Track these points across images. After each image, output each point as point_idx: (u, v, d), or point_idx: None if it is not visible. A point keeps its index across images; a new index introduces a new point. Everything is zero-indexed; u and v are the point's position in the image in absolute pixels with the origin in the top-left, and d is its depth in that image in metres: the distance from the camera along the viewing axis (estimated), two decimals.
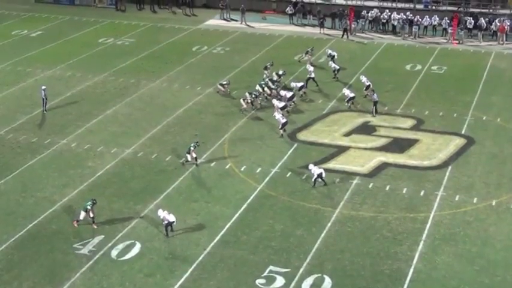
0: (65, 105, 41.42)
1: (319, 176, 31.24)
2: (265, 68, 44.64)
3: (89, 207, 28.17)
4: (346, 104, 40.52)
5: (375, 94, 39.89)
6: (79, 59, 50.91)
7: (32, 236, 28.02)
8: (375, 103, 39.74)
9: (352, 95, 40.56)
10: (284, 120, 36.79)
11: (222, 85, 42.75)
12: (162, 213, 27.68)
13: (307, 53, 48.23)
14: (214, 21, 61.96)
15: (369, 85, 41.37)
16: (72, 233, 28.06)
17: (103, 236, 27.81)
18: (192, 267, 25.96)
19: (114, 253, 26.82)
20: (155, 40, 55.85)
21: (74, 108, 41.05)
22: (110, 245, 27.31)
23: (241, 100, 39.82)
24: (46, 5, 68.43)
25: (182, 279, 25.29)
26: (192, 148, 33.15)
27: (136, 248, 27.12)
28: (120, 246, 27.27)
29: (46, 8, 67.46)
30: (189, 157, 33.23)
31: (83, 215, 28.22)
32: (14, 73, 47.70)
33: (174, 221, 27.73)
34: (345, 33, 56.40)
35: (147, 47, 53.88)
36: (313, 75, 43.46)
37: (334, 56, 47.38)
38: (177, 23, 61.55)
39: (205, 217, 29.36)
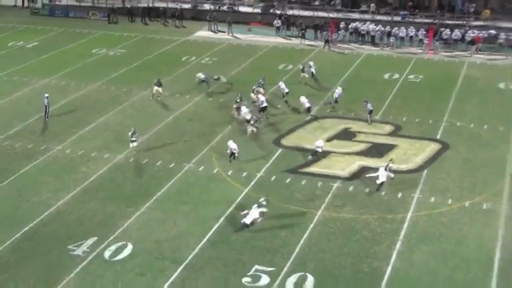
0: (60, 113, 41.31)
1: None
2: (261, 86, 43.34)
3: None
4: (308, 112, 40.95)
5: (369, 104, 39.90)
6: (73, 69, 50.84)
7: (27, 238, 27.92)
8: (370, 112, 39.81)
9: (308, 105, 40.71)
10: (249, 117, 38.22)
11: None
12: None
13: (303, 70, 47.36)
14: (203, 33, 62.06)
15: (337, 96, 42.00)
16: (66, 235, 27.97)
17: (96, 238, 27.76)
18: (181, 267, 25.95)
19: (106, 254, 26.77)
20: (146, 51, 55.87)
21: (68, 116, 40.98)
22: (102, 246, 27.25)
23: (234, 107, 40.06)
24: (41, 18, 68.53)
25: (172, 279, 25.27)
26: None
27: (128, 249, 27.08)
28: (113, 247, 27.22)
29: (41, 20, 67.48)
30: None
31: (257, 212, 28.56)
32: (11, 83, 47.58)
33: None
34: (327, 44, 56.61)
35: (139, 57, 53.89)
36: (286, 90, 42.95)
37: (313, 73, 47.21)
38: (167, 34, 61.61)
39: (194, 219, 29.37)
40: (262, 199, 29.81)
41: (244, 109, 38.97)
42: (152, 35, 61.21)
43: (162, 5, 67.80)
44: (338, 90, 42.23)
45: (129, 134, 35.09)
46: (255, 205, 28.72)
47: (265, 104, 40.24)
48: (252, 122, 37.79)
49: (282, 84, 42.93)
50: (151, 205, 30.56)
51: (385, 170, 31.80)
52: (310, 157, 34.40)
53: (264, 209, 28.87)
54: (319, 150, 34.57)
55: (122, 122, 40.31)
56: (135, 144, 35.21)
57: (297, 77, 47.26)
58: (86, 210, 30.09)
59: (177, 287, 24.86)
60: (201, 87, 45.53)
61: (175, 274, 25.52)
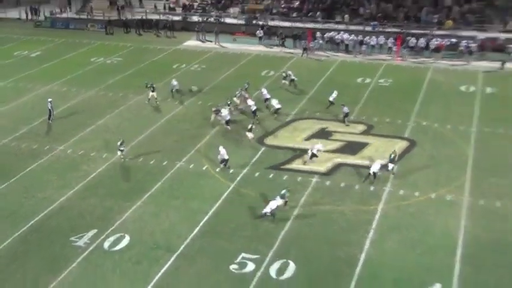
0: (62, 116, 41.12)
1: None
2: (245, 90, 43.37)
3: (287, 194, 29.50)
4: (275, 114, 40.96)
5: (345, 107, 39.91)
6: (73, 76, 50.60)
7: (34, 231, 27.90)
8: (346, 115, 39.78)
9: (278, 106, 40.76)
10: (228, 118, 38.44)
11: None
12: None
13: (285, 77, 47.19)
14: (192, 42, 61.93)
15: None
16: (69, 228, 27.96)
17: (96, 230, 27.74)
18: (175, 255, 26.00)
19: (106, 245, 26.78)
20: (140, 59, 55.69)
21: (69, 119, 40.81)
22: (102, 237, 27.26)
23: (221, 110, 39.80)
24: (44, 29, 68.14)
25: (166, 267, 25.31)
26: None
27: (126, 240, 27.09)
28: (112, 238, 27.23)
29: (44, 31, 67.08)
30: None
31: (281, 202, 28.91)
32: (16, 89, 47.30)
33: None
34: (305, 51, 56.71)
35: (133, 65, 53.72)
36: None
37: (293, 80, 46.96)
38: (159, 44, 61.45)
39: (185, 212, 29.39)
40: (284, 191, 29.57)
41: (224, 111, 38.97)
42: (146, 45, 61.02)
43: (155, 17, 67.62)
44: (334, 94, 42.28)
45: (118, 144, 34.47)
46: (278, 196, 28.88)
47: (254, 108, 40.23)
48: (249, 127, 37.37)
49: (264, 91, 42.90)
50: (146, 200, 30.52)
51: (389, 162, 32.67)
52: (310, 159, 33.94)
53: (285, 200, 29.20)
54: (317, 153, 33.93)
55: (119, 124, 40.20)
56: (122, 152, 34.46)
57: (278, 82, 47.30)
58: (86, 205, 30.03)
59: (170, 275, 24.90)
60: (190, 92, 45.50)
61: (169, 263, 25.56)
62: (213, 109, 39.98)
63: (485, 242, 26.91)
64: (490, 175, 32.76)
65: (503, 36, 57.12)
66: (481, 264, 25.40)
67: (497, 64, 52.79)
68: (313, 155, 33.81)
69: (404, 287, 24.10)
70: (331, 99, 41.85)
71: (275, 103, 41.01)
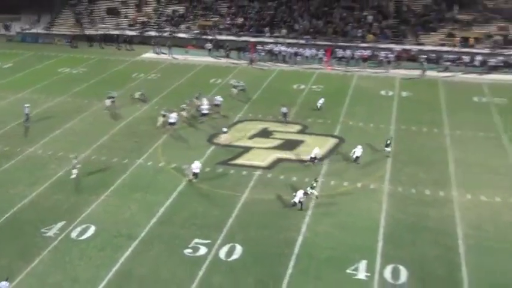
0: (33, 120, 39.89)
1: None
2: (196, 98, 42.66)
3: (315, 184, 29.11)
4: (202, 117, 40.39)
5: (284, 108, 40.13)
6: (42, 85, 49.24)
7: (7, 223, 27.08)
8: (284, 115, 39.96)
9: (206, 111, 40.44)
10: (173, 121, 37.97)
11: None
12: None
13: (235, 87, 46.41)
14: (148, 55, 61.07)
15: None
16: (39, 220, 27.16)
17: (64, 222, 27.07)
18: (136, 242, 25.60)
19: (73, 234, 26.17)
20: (103, 69, 54.62)
21: (39, 123, 39.65)
22: (70, 228, 26.62)
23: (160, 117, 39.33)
24: (15, 43, 66.20)
25: (128, 252, 24.90)
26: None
27: (92, 230, 26.52)
28: (79, 229, 26.62)
29: (15, 45, 65.12)
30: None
31: (315, 192, 28.74)
32: None
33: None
34: (251, 62, 56.60)
35: (97, 75, 52.66)
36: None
37: (243, 89, 46.48)
38: (119, 56, 60.39)
39: (144, 204, 28.94)
40: (314, 183, 29.29)
41: (173, 115, 38.56)
42: (107, 57, 59.87)
43: (116, 32, 66.49)
44: (321, 101, 42.29)
45: (74, 161, 32.10)
46: (309, 187, 28.77)
47: (206, 111, 40.16)
48: (224, 130, 37.07)
49: (218, 98, 42.56)
50: (109, 194, 29.94)
51: (385, 147, 33.86)
52: (307, 163, 33.21)
53: (314, 191, 28.89)
54: (315, 156, 33.19)
55: (84, 127, 39.33)
56: (75, 170, 31.37)
57: (226, 89, 47.04)
58: (55, 200, 29.26)
59: (132, 259, 24.50)
60: (151, 98, 44.92)
61: (130, 249, 25.15)
62: (162, 113, 39.53)
63: (404, 223, 27.36)
64: (407, 166, 33.33)
65: (415, 48, 58.22)
66: (400, 242, 25.81)
67: (412, 72, 53.77)
68: (313, 159, 33.12)
69: (336, 264, 24.27)
70: (318, 105, 41.98)
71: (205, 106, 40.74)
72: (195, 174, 31.11)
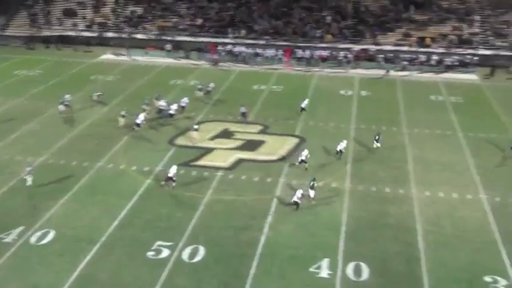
0: None
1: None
2: (157, 99, 42.49)
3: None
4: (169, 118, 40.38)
5: (243, 107, 40.33)
6: None
7: None
8: (243, 114, 40.15)
9: (173, 111, 40.41)
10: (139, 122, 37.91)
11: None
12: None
13: (200, 89, 46.21)
14: (107, 56, 60.32)
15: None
16: None
17: (23, 227, 26.54)
18: (96, 246, 25.28)
19: (33, 240, 25.69)
20: (60, 72, 53.67)
21: None
22: (29, 233, 26.12)
23: (120, 118, 39.03)
24: None
25: (89, 257, 24.57)
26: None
27: (51, 235, 26.09)
28: (38, 234, 26.15)
29: None
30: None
31: (312, 193, 28.79)
32: None
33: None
34: (215, 63, 56.45)
35: (54, 77, 51.75)
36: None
37: (209, 91, 46.29)
38: (77, 58, 59.42)
39: (105, 207, 28.58)
40: (312, 182, 29.30)
41: (140, 116, 38.31)
42: (65, 59, 58.87)
43: (73, 33, 65.41)
44: (305, 101, 42.21)
45: (27, 169, 30.95)
46: (309, 188, 28.94)
47: (172, 112, 40.16)
48: (195, 128, 37.11)
49: (185, 99, 42.27)
50: (69, 198, 29.46)
51: (375, 141, 34.74)
52: (297, 164, 32.90)
53: (313, 191, 29.04)
54: (305, 158, 32.77)
55: (42, 130, 38.58)
56: (30, 177, 30.47)
57: (187, 91, 46.81)
58: (13, 205, 28.65)
59: (93, 264, 24.18)
60: (107, 100, 44.38)
61: (91, 253, 24.83)
62: (121, 113, 39.30)
63: (365, 221, 27.73)
64: (367, 164, 33.77)
65: (373, 48, 59.02)
66: (361, 240, 26.14)
67: (371, 72, 54.52)
68: (302, 161, 32.86)
69: (298, 263, 24.43)
70: (303, 106, 41.92)
71: (182, 102, 40.99)
72: (171, 179, 30.36)
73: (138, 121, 37.98)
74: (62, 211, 28.20)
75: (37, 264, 23.98)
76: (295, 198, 28.30)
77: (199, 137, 36.87)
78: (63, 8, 69.49)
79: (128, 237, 26.02)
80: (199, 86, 46.64)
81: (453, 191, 30.70)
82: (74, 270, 23.69)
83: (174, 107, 40.65)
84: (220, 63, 57.25)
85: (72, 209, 28.43)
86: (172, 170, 30.36)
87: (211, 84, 47.05)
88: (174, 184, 30.29)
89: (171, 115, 40.20)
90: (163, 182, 30.52)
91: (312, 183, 29.35)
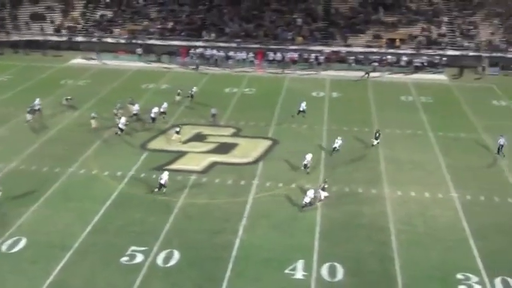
0: None
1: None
2: (130, 103, 42.28)
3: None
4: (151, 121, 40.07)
5: (214, 109, 40.54)
6: None
7: None
8: (213, 115, 40.22)
9: (153, 115, 40.02)
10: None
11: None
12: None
13: (179, 94, 45.68)
14: (77, 60, 59.67)
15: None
16: None
17: None
18: (70, 253, 24.97)
19: (4, 248, 25.26)
20: (29, 77, 52.85)
21: None
22: (0, 241, 25.66)
23: (92, 120, 38.88)
24: None
25: (62, 263, 24.26)
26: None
27: (23, 242, 25.68)
28: (9, 241, 25.72)
29: None
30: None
31: (324, 194, 28.94)
32: None
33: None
34: (197, 67, 56.39)
35: (23, 82, 50.98)
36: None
37: (192, 95, 45.78)
38: (46, 62, 58.65)
39: (78, 213, 28.25)
40: (324, 184, 29.45)
41: (122, 120, 38.10)
42: (34, 63, 58.04)
43: (42, 38, 64.58)
44: (303, 104, 42.01)
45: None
46: (319, 189, 28.92)
47: (154, 116, 39.88)
48: (177, 130, 37.11)
49: (164, 104, 41.77)
50: (41, 204, 29.07)
51: (374, 139, 35.33)
52: (303, 169, 32.60)
53: (325, 193, 29.13)
54: (307, 163, 32.59)
55: (12, 136, 37.98)
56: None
57: (159, 94, 46.55)
58: None
59: (66, 270, 23.88)
60: (77, 104, 43.93)
61: (64, 259, 24.52)
62: (92, 115, 39.19)
63: (338, 221, 27.91)
64: (340, 165, 34.00)
65: (344, 49, 59.49)
66: (335, 240, 26.31)
67: (341, 73, 55.03)
68: (305, 166, 32.61)
69: (273, 265, 24.46)
70: (301, 108, 41.74)
71: (155, 110, 40.32)
72: (163, 185, 30.03)
73: (120, 126, 37.71)
74: (33, 218, 27.80)
75: (8, 273, 23.57)
76: (307, 199, 28.40)
77: (178, 139, 36.74)
78: (31, 12, 68.56)
79: (102, 242, 25.77)
80: (179, 91, 46.30)
81: (425, 190, 31.11)
82: (47, 277, 23.36)
83: (155, 110, 40.25)
84: (189, 66, 57.05)
85: (44, 215, 28.04)
86: (164, 177, 30.04)
87: (194, 88, 46.80)
88: (164, 190, 30.05)
89: (153, 119, 39.93)
90: (156, 189, 30.20)
91: (323, 185, 29.56)
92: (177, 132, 37.08)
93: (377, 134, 36.68)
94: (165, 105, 41.75)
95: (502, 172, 33.73)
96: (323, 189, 29.34)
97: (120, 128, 37.70)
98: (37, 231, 26.56)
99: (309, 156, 32.63)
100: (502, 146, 35.42)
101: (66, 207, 28.80)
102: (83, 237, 26.13)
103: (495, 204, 29.97)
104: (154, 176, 32.06)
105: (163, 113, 41.17)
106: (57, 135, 38.33)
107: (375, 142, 36.37)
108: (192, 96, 45.83)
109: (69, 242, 25.66)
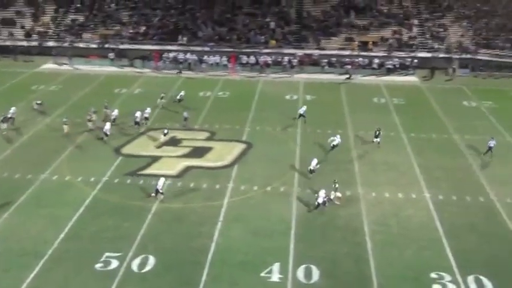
0: None
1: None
2: (106, 107, 42.20)
3: None
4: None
5: (185, 112, 40.81)
6: None
7: None
8: (185, 118, 40.35)
9: (137, 119, 39.91)
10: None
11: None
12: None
13: (162, 98, 45.43)
14: (48, 66, 58.96)
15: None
16: None
17: None
18: (43, 260, 24.62)
19: None
20: (0, 82, 52.02)
21: None
22: None
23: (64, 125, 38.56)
24: None
25: (35, 271, 23.90)
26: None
27: None
28: None
29: None
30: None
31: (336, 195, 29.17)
32: None
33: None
34: (180, 71, 56.21)
35: None
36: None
37: (181, 100, 45.56)
38: (17, 68, 57.82)
39: (51, 219, 27.88)
40: (336, 185, 29.64)
41: (107, 126, 37.80)
42: (4, 69, 57.13)
43: (12, 43, 63.67)
44: (303, 108, 41.85)
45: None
46: (332, 191, 29.08)
47: (138, 120, 39.82)
48: (165, 132, 37.49)
49: (147, 110, 41.35)
50: (13, 211, 28.60)
51: (375, 137, 36.36)
52: (310, 175, 32.44)
53: (338, 193, 29.37)
54: (313, 168, 32.39)
55: None
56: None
57: (132, 98, 46.24)
58: None
59: (40, 278, 23.54)
60: (49, 110, 43.38)
61: (38, 267, 24.16)
62: (64, 120, 38.90)
63: (314, 224, 28.00)
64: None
65: (317, 52, 59.83)
66: (311, 242, 26.40)
67: (314, 75, 55.33)
68: (311, 171, 32.42)
69: (250, 268, 24.44)
70: (301, 112, 41.57)
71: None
72: (159, 192, 29.81)
73: (105, 131, 37.41)
74: (5, 225, 27.34)
75: None
76: (320, 200, 28.52)
77: (160, 143, 36.93)
78: (0, 17, 67.60)
79: (75, 249, 25.47)
80: (162, 95, 45.94)
81: (398, 191, 31.40)
82: (20, 285, 22.99)
83: (138, 114, 40.01)
84: (163, 70, 56.83)
85: (16, 222, 27.61)
86: (160, 183, 29.82)
87: (182, 93, 46.46)
88: (162, 197, 29.83)
89: (137, 123, 39.68)
90: (153, 194, 29.97)
91: (335, 185, 29.76)
92: (165, 135, 37.39)
93: (377, 132, 37.27)
94: (148, 110, 41.47)
95: (474, 172, 34.23)
96: (336, 189, 29.59)
97: (105, 133, 37.35)
98: (9, 239, 26.14)
99: (314, 162, 32.60)
100: (491, 147, 35.66)
101: (38, 214, 28.40)
102: (56, 244, 25.80)
103: (467, 203, 30.40)
104: (128, 181, 31.82)
105: (147, 118, 40.92)
106: (29, 141, 37.82)
107: (375, 140, 37.12)
108: (179, 100, 45.59)
109: (42, 249, 25.31)
